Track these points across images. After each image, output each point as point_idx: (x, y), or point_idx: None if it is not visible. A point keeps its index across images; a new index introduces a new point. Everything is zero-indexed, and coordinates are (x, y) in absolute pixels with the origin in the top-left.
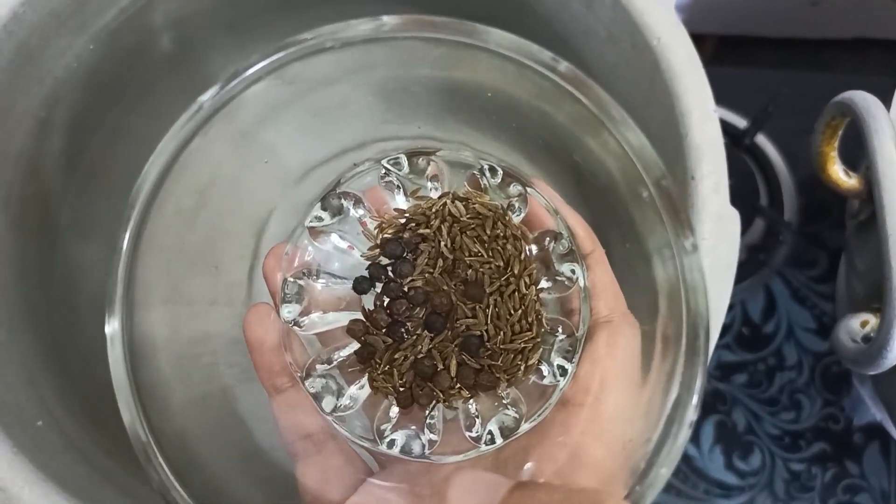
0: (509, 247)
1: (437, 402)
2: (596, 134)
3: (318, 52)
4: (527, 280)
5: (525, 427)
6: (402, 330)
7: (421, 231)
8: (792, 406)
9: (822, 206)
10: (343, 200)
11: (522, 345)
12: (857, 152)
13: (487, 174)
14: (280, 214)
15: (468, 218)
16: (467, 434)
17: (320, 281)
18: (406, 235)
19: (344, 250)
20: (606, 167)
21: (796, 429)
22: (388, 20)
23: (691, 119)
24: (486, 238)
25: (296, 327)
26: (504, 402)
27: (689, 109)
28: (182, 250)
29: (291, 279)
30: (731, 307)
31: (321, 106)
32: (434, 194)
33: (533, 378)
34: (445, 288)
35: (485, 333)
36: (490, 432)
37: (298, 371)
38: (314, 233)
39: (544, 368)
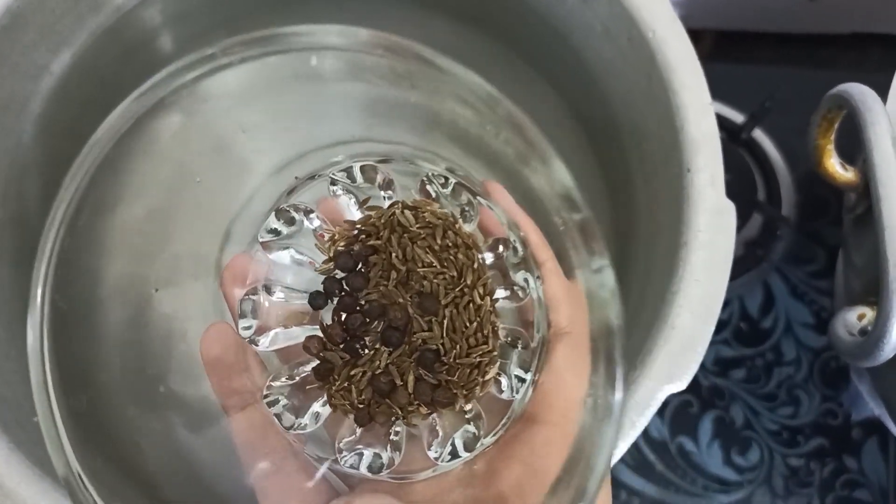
0: (461, 256)
1: (396, 419)
2: (527, 168)
3: (270, 54)
4: (481, 290)
5: (487, 441)
6: (359, 345)
7: (371, 242)
8: (790, 401)
9: (820, 202)
10: (294, 213)
11: (479, 358)
12: (854, 146)
13: (436, 183)
14: (241, 222)
15: (418, 227)
16: (428, 452)
17: (279, 296)
18: (356, 248)
19: (301, 263)
20: (539, 197)
21: (794, 424)
22: (362, 34)
23: (687, 113)
24: (437, 248)
25: (254, 345)
26: (466, 416)
27: (685, 103)
28: (132, 250)
29: (247, 295)
30: (728, 302)
31: (285, 107)
32: (386, 203)
33: (492, 391)
34: (401, 301)
35: (441, 347)
36: (453, 445)
37: (257, 390)
38: (268, 246)
39: (503, 381)
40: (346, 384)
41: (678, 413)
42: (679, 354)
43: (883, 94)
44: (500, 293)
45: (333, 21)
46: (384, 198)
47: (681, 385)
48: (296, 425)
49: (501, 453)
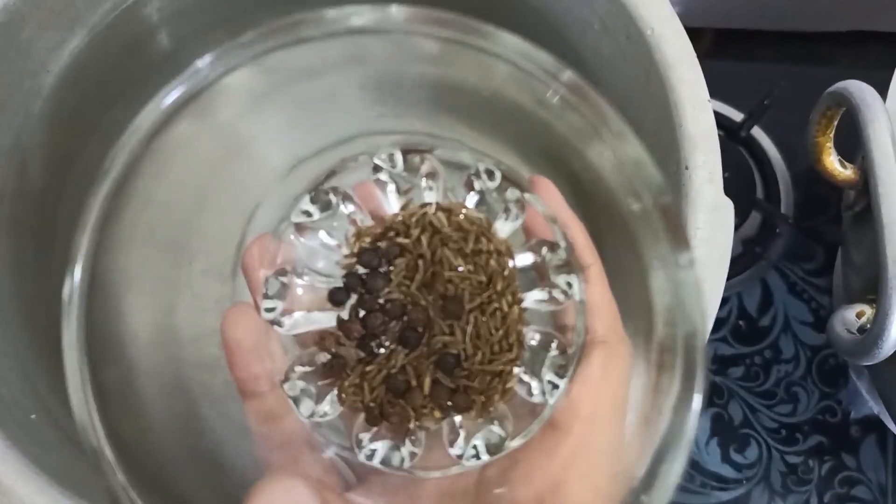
0: (492, 262)
1: (408, 420)
2: (594, 145)
3: (304, 41)
4: (509, 298)
5: (512, 444)
6: (375, 343)
7: (399, 240)
8: (789, 399)
9: (819, 200)
10: (332, 196)
11: (501, 367)
12: (854, 143)
13: (484, 176)
14: (265, 210)
15: (450, 230)
16: (450, 451)
17: (305, 278)
18: (383, 245)
19: (331, 247)
20: (604, 179)
21: (793, 422)
22: (396, 11)
23: (685, 109)
24: (468, 252)
25: (277, 327)
26: (492, 416)
27: (683, 100)
28: (157, 243)
29: (274, 276)
30: (727, 300)
31: (308, 98)
32: (428, 194)
33: (521, 394)
34: (423, 302)
35: (462, 352)
36: (475, 447)
37: (277, 374)
38: (300, 228)
39: (534, 384)
40: (358, 381)
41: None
42: None
43: (883, 91)
44: (537, 295)
45: None
46: (426, 188)
47: None
48: (315, 413)
49: (522, 460)
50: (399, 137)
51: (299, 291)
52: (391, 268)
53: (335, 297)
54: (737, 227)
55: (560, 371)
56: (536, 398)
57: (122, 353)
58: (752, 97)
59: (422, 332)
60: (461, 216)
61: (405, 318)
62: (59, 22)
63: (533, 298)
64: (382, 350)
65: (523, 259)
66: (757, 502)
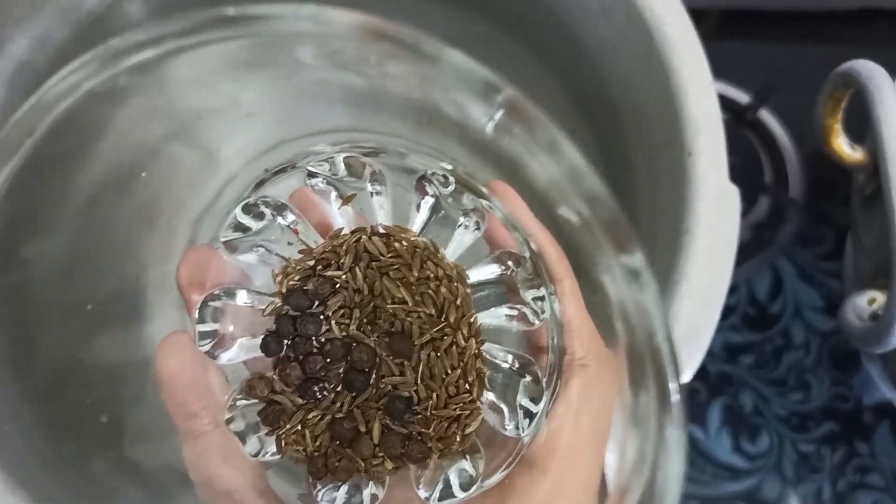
0: (443, 290)
1: (356, 472)
2: (532, 160)
3: (236, 38)
4: (465, 331)
5: (487, 483)
6: (317, 388)
7: (330, 273)
8: (800, 386)
9: (828, 183)
10: (264, 208)
11: (459, 411)
12: (863, 124)
13: (436, 182)
14: (207, 228)
15: (390, 257)
16: (417, 490)
17: (244, 300)
18: (310, 286)
19: (272, 264)
20: (543, 192)
21: (805, 409)
22: (335, 19)
23: (687, 93)
24: (412, 281)
25: (214, 359)
26: (462, 450)
27: (685, 82)
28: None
29: (206, 301)
30: (736, 287)
31: (234, 98)
32: (377, 200)
33: (495, 424)
34: (368, 341)
35: (414, 395)
36: (448, 482)
37: (219, 410)
38: (232, 245)
39: (507, 413)
40: (298, 426)
41: (686, 401)
42: (683, 345)
43: (891, 70)
44: (506, 311)
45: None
46: (372, 193)
47: (686, 375)
48: (262, 452)
49: (496, 497)
50: (336, 138)
51: (238, 315)
52: (325, 307)
53: (268, 348)
54: (745, 213)
55: (536, 397)
56: (510, 432)
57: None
58: (757, 78)
59: (368, 372)
60: (401, 241)
61: (349, 358)
62: (41, 16)
63: (502, 314)
64: (326, 394)
65: (489, 271)
66: (769, 492)
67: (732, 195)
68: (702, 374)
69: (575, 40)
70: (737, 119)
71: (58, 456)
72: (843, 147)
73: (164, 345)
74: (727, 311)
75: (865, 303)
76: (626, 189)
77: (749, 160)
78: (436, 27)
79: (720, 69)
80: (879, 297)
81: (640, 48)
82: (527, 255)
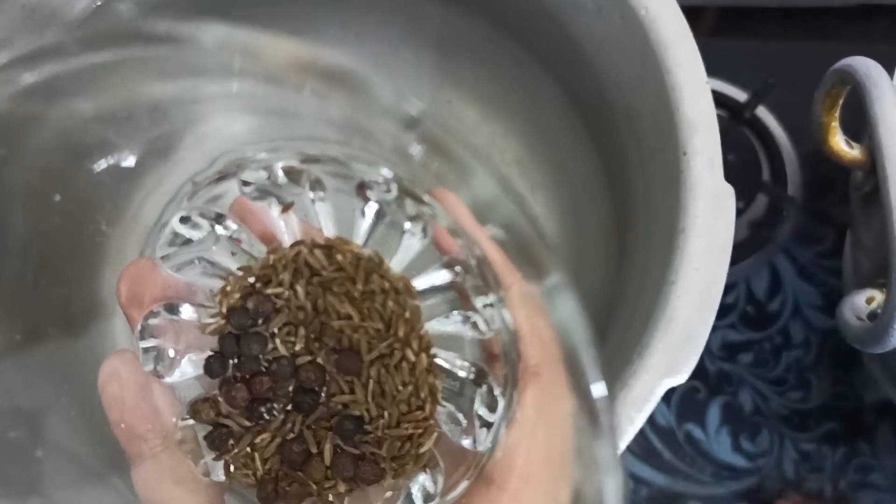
0: (390, 303)
1: (308, 496)
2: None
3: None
4: (416, 345)
5: (448, 499)
6: (264, 409)
7: (271, 290)
8: (800, 385)
9: (827, 180)
10: (200, 219)
11: (412, 430)
12: (861, 122)
13: (376, 189)
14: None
15: (333, 271)
16: None
17: (189, 315)
18: (251, 304)
19: (214, 276)
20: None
21: (805, 408)
22: (274, 52)
23: (683, 92)
24: (356, 295)
25: (159, 378)
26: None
27: (680, 83)
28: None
29: (146, 319)
30: (735, 286)
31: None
32: (319, 206)
33: (453, 437)
34: (315, 359)
35: (365, 414)
36: (409, 498)
37: (168, 430)
38: (170, 260)
39: (463, 422)
40: (247, 450)
41: (685, 400)
42: (678, 346)
43: (890, 67)
44: (458, 317)
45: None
46: (313, 200)
47: (680, 378)
48: (215, 472)
49: None
50: (274, 145)
51: (182, 331)
52: (268, 325)
53: (211, 369)
54: (742, 211)
55: (492, 406)
56: (467, 444)
57: None
58: (755, 76)
59: (317, 391)
60: (344, 253)
61: (296, 378)
62: (33, 21)
63: (455, 321)
64: (274, 415)
65: (440, 277)
66: (770, 491)
67: (728, 196)
68: (701, 373)
69: (570, 40)
70: (734, 117)
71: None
72: (841, 145)
73: (105, 366)
74: (726, 310)
75: (863, 302)
76: (624, 191)
77: (747, 158)
78: (432, 27)
79: (717, 67)
80: (878, 297)
81: (635, 48)
82: (472, 261)
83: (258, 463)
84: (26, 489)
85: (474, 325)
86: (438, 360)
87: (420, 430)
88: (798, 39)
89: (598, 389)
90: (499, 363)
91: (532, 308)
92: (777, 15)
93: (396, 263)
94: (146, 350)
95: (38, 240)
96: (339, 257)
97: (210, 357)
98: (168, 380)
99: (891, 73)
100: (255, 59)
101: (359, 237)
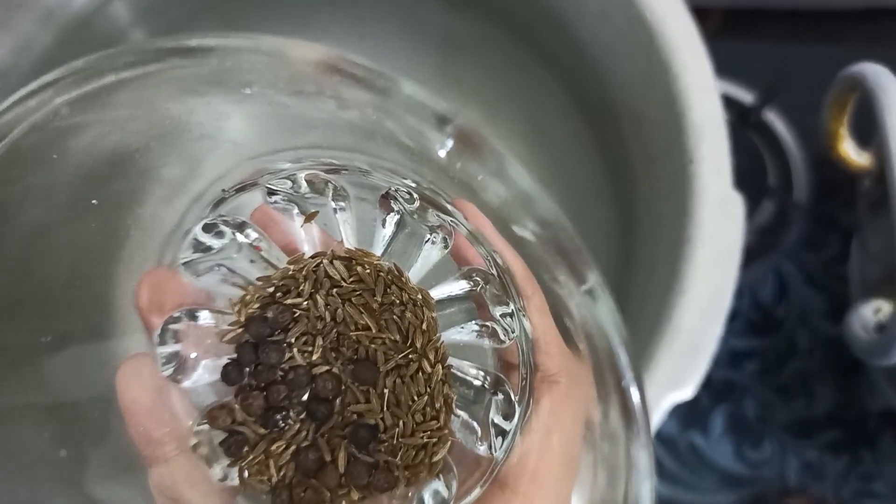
0: (408, 315)
1: (322, 503)
2: (486, 186)
3: (190, 66)
4: (432, 356)
5: None
6: (280, 417)
7: (290, 301)
8: (804, 393)
9: (834, 185)
10: (224, 227)
11: (426, 438)
12: (869, 129)
13: (400, 199)
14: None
15: (352, 282)
16: None
17: (208, 320)
18: (270, 313)
19: (235, 283)
20: (498, 208)
21: (808, 416)
22: (302, 55)
23: (690, 96)
24: (375, 307)
25: (177, 383)
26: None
27: (687, 86)
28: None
29: (167, 324)
30: (740, 292)
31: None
32: (340, 216)
33: (468, 444)
34: (331, 368)
35: (380, 423)
36: (421, 502)
37: (183, 435)
38: (192, 266)
39: (478, 430)
40: (263, 457)
41: (688, 407)
42: (685, 359)
43: None
44: (476, 328)
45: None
46: (335, 209)
47: (687, 392)
48: (229, 477)
49: None
50: (297, 155)
51: (201, 336)
52: (286, 335)
53: (229, 377)
54: (749, 216)
55: (508, 414)
56: (482, 451)
57: None
58: (763, 78)
59: (332, 401)
60: (363, 265)
61: (312, 387)
62: (28, 18)
63: (472, 331)
64: (290, 423)
65: (458, 287)
66: (772, 500)
67: (736, 203)
68: (704, 380)
69: (576, 43)
70: (741, 120)
71: (11, 499)
72: (849, 152)
73: (123, 371)
74: (730, 316)
75: (871, 313)
76: (629, 196)
77: (753, 162)
78: (437, 30)
79: (724, 69)
80: (885, 307)
81: (640, 51)
82: (494, 271)
83: (273, 470)
84: (50, 489)
85: (493, 334)
86: (454, 370)
87: (434, 440)
88: (804, 41)
89: (636, 392)
90: (516, 372)
91: (549, 318)
92: (784, 17)
93: (415, 273)
94: (164, 355)
95: (74, 242)
96: (358, 269)
97: (228, 364)
98: (185, 384)
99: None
100: (283, 59)
101: (379, 247)
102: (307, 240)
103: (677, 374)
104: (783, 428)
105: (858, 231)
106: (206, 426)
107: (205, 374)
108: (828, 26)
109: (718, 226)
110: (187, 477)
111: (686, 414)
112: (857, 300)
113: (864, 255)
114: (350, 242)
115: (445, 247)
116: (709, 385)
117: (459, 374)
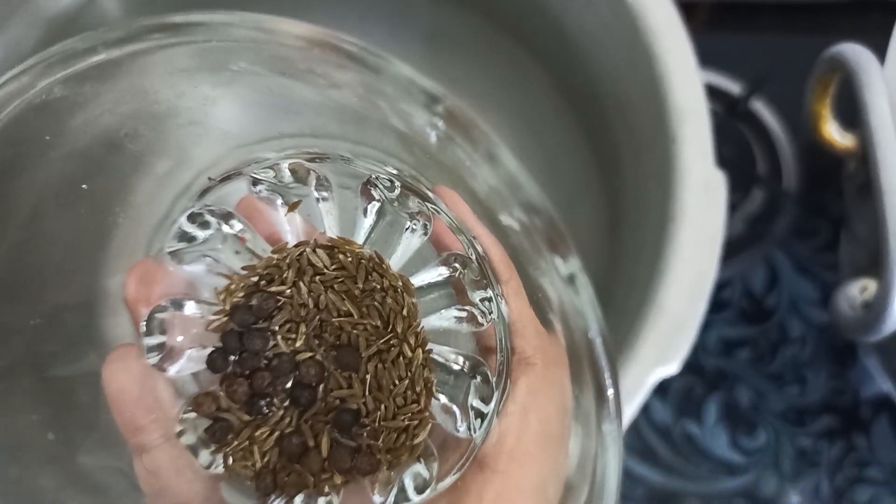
0: (388, 301)
1: (305, 487)
2: (473, 170)
3: (178, 45)
4: (412, 341)
5: (442, 486)
6: (264, 403)
7: (274, 289)
8: (796, 380)
9: (823, 173)
10: (209, 217)
11: (407, 421)
12: (854, 110)
13: (381, 186)
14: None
15: (334, 270)
16: (373, 497)
17: (193, 311)
18: (255, 301)
19: (219, 273)
20: (481, 199)
21: (802, 404)
22: (276, 28)
23: (672, 81)
24: (356, 294)
25: (162, 371)
26: (416, 454)
27: (669, 70)
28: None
29: (153, 313)
30: (730, 281)
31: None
32: (323, 206)
33: (448, 427)
34: (314, 355)
35: (362, 407)
36: (403, 487)
37: (169, 423)
38: (178, 256)
39: (459, 415)
40: (247, 443)
41: (682, 396)
42: (669, 336)
43: (883, 59)
44: (455, 313)
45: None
46: (318, 199)
47: (672, 367)
48: (214, 465)
49: (450, 500)
50: (281, 144)
51: (186, 326)
52: (270, 323)
53: (214, 364)
54: (738, 205)
55: (486, 397)
56: (462, 432)
57: None
58: (751, 69)
59: (315, 387)
60: (345, 253)
61: (296, 373)
62: (17, 17)
63: (452, 316)
64: (274, 409)
65: (436, 273)
66: (766, 487)
67: (719, 183)
68: (697, 369)
69: (561, 32)
70: (729, 111)
71: (2, 477)
72: (833, 134)
73: (110, 359)
74: (722, 306)
75: (857, 291)
76: (616, 181)
77: (742, 152)
78: (424, 23)
79: (712, 60)
80: (871, 286)
81: (624, 38)
82: (473, 256)
83: (257, 455)
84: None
85: (472, 318)
86: (434, 355)
87: (415, 422)
88: (792, 33)
89: (609, 373)
90: (494, 355)
91: (525, 302)
92: (772, 8)
93: (396, 260)
94: (150, 345)
95: (66, 227)
96: (340, 257)
97: (213, 352)
98: (169, 373)
99: (881, 62)
100: (271, 34)
101: (360, 235)
102: (291, 230)
103: (663, 350)
104: (777, 416)
105: (846, 216)
106: (192, 414)
107: (190, 363)
108: (815, 18)
109: (702, 206)
110: (172, 464)
111: (680, 403)
112: (843, 283)
113: (852, 240)
114: (332, 232)
115: (425, 233)
116: (702, 374)
117: (439, 358)
